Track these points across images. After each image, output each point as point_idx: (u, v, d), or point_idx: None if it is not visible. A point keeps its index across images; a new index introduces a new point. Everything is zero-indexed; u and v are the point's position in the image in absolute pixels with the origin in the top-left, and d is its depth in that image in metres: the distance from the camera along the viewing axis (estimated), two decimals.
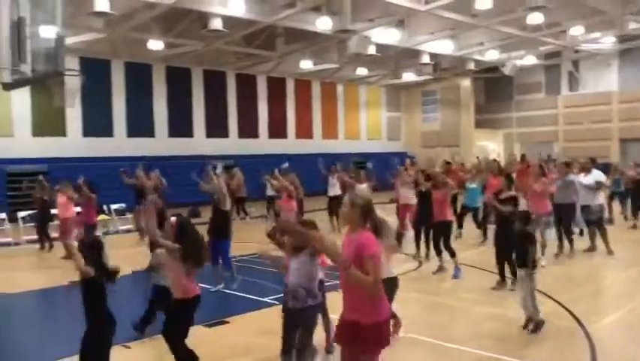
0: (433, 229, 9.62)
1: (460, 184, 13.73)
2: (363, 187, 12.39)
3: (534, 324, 6.21)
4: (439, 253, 9.43)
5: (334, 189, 15.40)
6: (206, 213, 8.95)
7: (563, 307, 7.16)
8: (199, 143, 24.18)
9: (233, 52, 22.65)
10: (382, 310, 3.69)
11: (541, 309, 6.34)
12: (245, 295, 8.12)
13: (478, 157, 22.12)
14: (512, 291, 7.68)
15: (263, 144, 26.34)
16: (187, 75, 24.23)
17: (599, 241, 10.69)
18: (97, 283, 4.46)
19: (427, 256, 10.17)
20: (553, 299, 7.46)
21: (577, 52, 27.27)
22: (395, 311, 5.55)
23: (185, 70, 24.00)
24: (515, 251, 6.58)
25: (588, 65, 28.64)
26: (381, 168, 18.00)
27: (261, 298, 7.90)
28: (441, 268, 9.40)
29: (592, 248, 10.70)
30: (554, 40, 23.84)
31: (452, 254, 9.19)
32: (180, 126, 23.86)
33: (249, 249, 11.33)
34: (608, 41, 25.51)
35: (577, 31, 22.45)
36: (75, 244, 4.78)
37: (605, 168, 23.39)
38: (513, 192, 8.46)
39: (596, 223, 10.72)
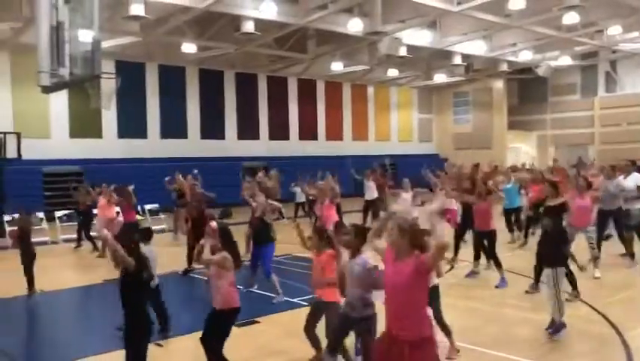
0: (475, 237, 9.48)
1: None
2: (407, 197, 12.15)
3: (555, 326, 6.07)
4: (476, 257, 9.33)
5: (370, 193, 15.34)
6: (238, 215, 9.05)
7: (598, 312, 7.01)
8: (231, 145, 24.47)
9: (265, 54, 22.83)
10: (428, 328, 3.72)
11: (570, 313, 6.22)
12: (272, 295, 8.15)
13: (524, 163, 21.78)
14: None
15: (293, 146, 26.48)
16: (219, 78, 24.54)
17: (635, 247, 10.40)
18: (137, 277, 4.51)
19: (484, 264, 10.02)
20: (588, 305, 7.32)
21: (614, 52, 26.62)
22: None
23: (217, 72, 24.30)
24: (547, 250, 6.38)
25: (626, 66, 27.93)
26: (414, 170, 17.90)
27: (290, 299, 7.94)
28: (473, 273, 9.31)
29: (631, 254, 10.31)
30: (590, 41, 23.32)
31: (498, 265, 8.93)
32: (212, 128, 24.19)
33: (282, 250, 11.44)
34: None
35: (614, 30, 21.92)
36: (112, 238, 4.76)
37: None
38: (562, 199, 8.21)
39: (636, 228, 10.39)
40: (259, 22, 17.38)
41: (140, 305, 4.58)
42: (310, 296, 6.30)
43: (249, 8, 16.77)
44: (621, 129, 27.55)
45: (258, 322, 7.05)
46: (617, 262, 10.11)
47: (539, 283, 8.10)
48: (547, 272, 6.33)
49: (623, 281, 9.03)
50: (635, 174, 10.70)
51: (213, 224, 5.42)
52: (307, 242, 5.68)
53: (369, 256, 4.65)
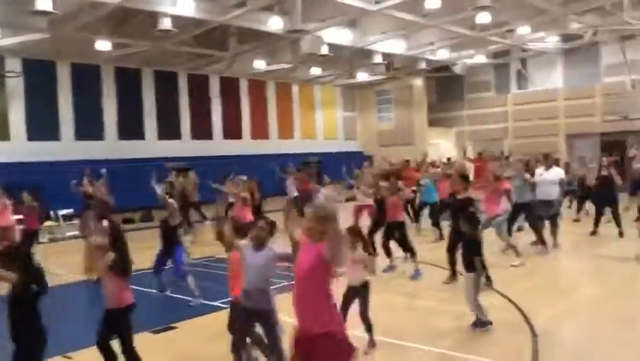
0: (386, 230, 9.65)
1: (415, 182, 14.05)
2: (328, 192, 12.32)
3: (481, 323, 6.24)
4: (388, 253, 9.50)
5: (291, 190, 15.35)
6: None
7: (509, 300, 7.31)
8: (150, 145, 23.71)
9: (185, 52, 22.29)
10: (340, 322, 3.71)
11: (488, 304, 6.43)
12: (189, 298, 7.94)
13: (449, 158, 22.46)
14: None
15: (217, 146, 26.04)
16: (137, 76, 23.73)
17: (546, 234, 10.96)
18: (24, 294, 4.18)
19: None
20: (501, 294, 7.61)
21: (524, 51, 28.02)
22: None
23: (134, 71, 23.50)
24: (463, 255, 6.56)
25: (535, 64, 29.45)
26: (338, 168, 18.09)
27: (209, 302, 7.76)
28: (391, 267, 9.47)
29: (543, 242, 10.74)
30: (502, 40, 24.44)
31: (412, 253, 9.19)
32: (131, 129, 23.34)
33: (204, 252, 11.22)
34: (552, 40, 26.35)
35: (524, 30, 23.10)
36: None
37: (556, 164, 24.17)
38: (469, 194, 8.60)
39: (553, 218, 10.93)
40: (177, 19, 16.94)
41: (30, 322, 4.25)
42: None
43: (166, 4, 16.31)
44: (532, 124, 29.02)
45: (175, 327, 6.84)
46: (527, 251, 10.57)
47: (456, 273, 8.39)
48: (466, 275, 6.47)
49: (533, 269, 9.48)
50: (555, 168, 11.22)
51: (105, 224, 5.23)
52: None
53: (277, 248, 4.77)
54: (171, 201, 8.70)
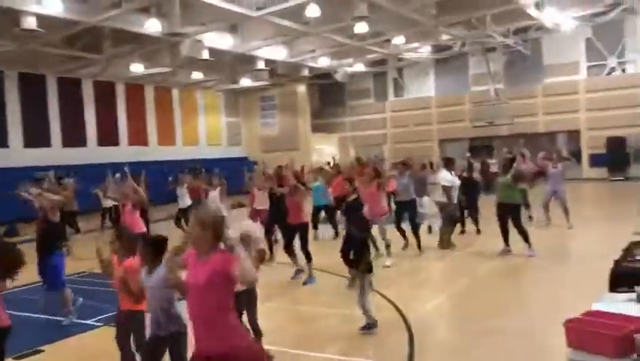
0: (288, 231, 9.55)
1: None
2: (215, 194, 12.04)
3: (366, 325, 6.37)
4: (292, 255, 9.41)
5: (184, 200, 14.80)
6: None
7: (387, 299, 7.60)
8: (15, 154, 21.90)
9: (53, 54, 20.85)
10: (243, 336, 3.51)
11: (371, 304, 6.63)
12: (64, 317, 7.42)
13: (333, 158, 22.81)
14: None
15: (92, 153, 24.64)
16: None
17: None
18: None
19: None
20: (379, 293, 7.89)
21: (400, 60, 29.48)
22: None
23: None
24: (353, 256, 6.69)
25: (410, 73, 31.12)
26: (225, 174, 17.82)
27: (84, 321, 7.29)
28: (299, 271, 9.34)
29: (419, 245, 11.27)
30: (379, 49, 25.52)
31: (309, 259, 9.04)
32: None
33: (78, 267, 10.57)
34: (425, 51, 27.98)
35: (399, 40, 24.30)
36: None
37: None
38: (356, 195, 8.87)
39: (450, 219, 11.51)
40: (43, 19, 15.80)
41: None
42: (107, 315, 5.83)
43: (30, 3, 15.15)
44: (409, 130, 30.59)
45: (42, 350, 6.33)
46: (406, 251, 11.08)
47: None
48: (356, 277, 6.57)
49: (410, 268, 9.94)
50: (444, 171, 11.67)
51: None
52: (106, 266, 5.14)
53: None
54: (50, 194, 7.91)
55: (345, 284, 8.24)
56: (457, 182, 11.61)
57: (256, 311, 5.45)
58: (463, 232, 12.80)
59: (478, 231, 12.70)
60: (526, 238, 10.15)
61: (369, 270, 6.48)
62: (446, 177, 11.44)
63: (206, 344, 3.35)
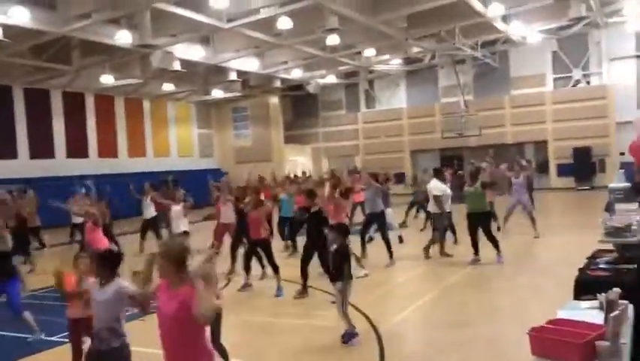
0: (250, 246, 9.62)
1: (274, 197, 14.20)
2: (178, 209, 11.88)
3: (346, 335, 6.35)
4: (247, 270, 9.47)
5: (149, 211, 14.62)
6: None
7: (358, 310, 7.61)
8: None
9: (20, 64, 20.47)
10: (207, 358, 3.48)
11: (333, 314, 6.61)
12: (27, 335, 7.24)
13: (304, 173, 22.83)
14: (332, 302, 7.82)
15: (60, 165, 24.19)
16: None
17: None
18: None
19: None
20: (350, 304, 7.89)
21: (371, 72, 29.78)
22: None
23: None
24: (332, 266, 6.67)
25: (381, 84, 31.45)
26: (196, 185, 17.64)
27: (49, 338, 7.13)
28: (247, 285, 9.43)
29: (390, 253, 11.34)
30: (351, 61, 25.74)
31: (276, 270, 9.11)
32: None
33: (43, 283, 10.35)
34: (396, 63, 28.33)
35: (369, 53, 24.57)
36: None
37: (401, 178, 25.81)
38: (318, 206, 8.91)
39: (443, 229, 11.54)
40: (9, 29, 15.49)
41: None
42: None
43: None
44: (380, 141, 30.84)
45: None
46: (379, 261, 11.12)
47: (307, 287, 8.62)
48: (335, 287, 6.54)
49: (381, 278, 9.99)
50: (434, 180, 11.58)
51: None
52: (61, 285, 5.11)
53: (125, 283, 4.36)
54: None
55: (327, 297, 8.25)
56: (449, 191, 11.55)
57: (220, 331, 5.35)
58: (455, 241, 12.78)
59: (455, 241, 12.81)
60: (496, 245, 10.33)
61: (349, 278, 6.50)
62: (438, 187, 11.40)
63: None
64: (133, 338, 5.75)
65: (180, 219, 11.65)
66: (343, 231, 6.83)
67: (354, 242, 10.61)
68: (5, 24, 15.12)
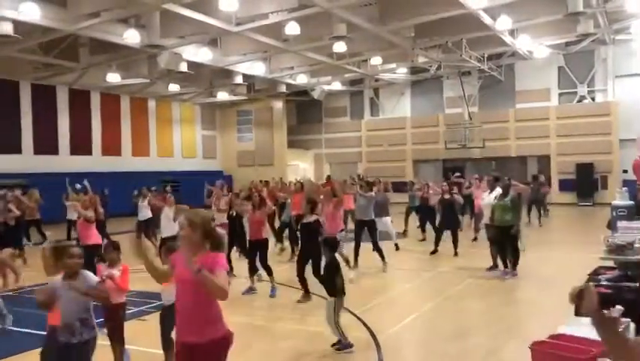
0: (249, 248, 9.66)
1: (275, 202, 14.27)
2: (169, 211, 11.81)
3: (342, 345, 6.31)
4: (252, 272, 9.46)
5: (144, 212, 14.64)
6: None
7: (357, 317, 7.62)
8: None
9: (28, 60, 20.57)
10: (220, 328, 3.60)
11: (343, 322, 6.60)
12: (30, 330, 7.25)
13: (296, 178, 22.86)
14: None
15: (63, 161, 24.25)
16: None
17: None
18: None
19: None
20: (350, 311, 7.90)
21: (377, 80, 29.85)
22: None
23: None
24: (325, 279, 6.65)
25: (386, 93, 31.52)
26: (198, 187, 17.64)
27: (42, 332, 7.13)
28: (251, 289, 9.42)
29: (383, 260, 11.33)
30: (357, 69, 25.81)
31: (269, 272, 9.25)
32: None
33: (41, 278, 10.31)
34: (402, 72, 28.40)
35: (376, 61, 24.65)
36: None
37: (402, 187, 25.82)
38: (316, 216, 8.86)
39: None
40: (19, 25, 15.60)
41: None
42: None
43: (6, 8, 14.95)
44: (383, 149, 30.87)
45: None
46: (369, 271, 11.09)
47: (309, 292, 8.63)
48: (328, 300, 6.47)
49: (381, 286, 9.99)
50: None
51: None
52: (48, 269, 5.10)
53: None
54: None
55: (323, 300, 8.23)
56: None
57: (171, 326, 5.23)
58: (435, 251, 12.86)
59: (434, 251, 12.79)
60: (517, 259, 10.27)
61: (342, 292, 6.48)
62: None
63: (186, 334, 3.51)
64: (133, 338, 5.79)
65: (170, 222, 11.42)
66: (332, 245, 6.84)
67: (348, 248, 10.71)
68: (16, 20, 15.22)
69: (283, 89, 27.72)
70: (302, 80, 27.03)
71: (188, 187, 18.09)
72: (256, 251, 9.47)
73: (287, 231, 13.46)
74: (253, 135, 33.24)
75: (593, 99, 26.85)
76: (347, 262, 10.37)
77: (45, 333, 4.51)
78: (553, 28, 21.73)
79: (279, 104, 32.06)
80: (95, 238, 9.35)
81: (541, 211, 18.92)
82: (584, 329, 3.82)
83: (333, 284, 6.41)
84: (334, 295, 6.38)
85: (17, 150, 22.93)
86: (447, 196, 13.11)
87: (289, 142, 32.83)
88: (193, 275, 3.32)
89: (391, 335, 7.00)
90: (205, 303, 3.49)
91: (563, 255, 12.72)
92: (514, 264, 10.26)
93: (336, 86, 29.72)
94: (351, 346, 6.33)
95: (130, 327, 5.53)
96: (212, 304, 3.54)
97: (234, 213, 10.86)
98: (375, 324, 7.31)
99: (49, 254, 4.88)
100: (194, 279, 3.34)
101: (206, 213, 3.70)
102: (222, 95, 29.78)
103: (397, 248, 13.27)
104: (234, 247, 11.09)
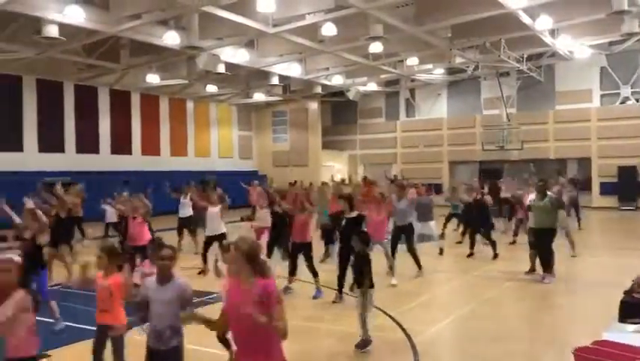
0: (292, 249, 9.64)
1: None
2: (216, 210, 11.87)
3: (361, 341, 6.35)
4: (292, 272, 9.46)
5: (185, 210, 14.85)
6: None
7: (393, 319, 7.60)
8: (29, 158, 22.15)
9: (72, 61, 21.18)
10: (277, 353, 3.61)
11: (372, 325, 6.61)
12: (69, 323, 7.47)
13: (343, 179, 22.93)
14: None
15: (104, 160, 24.88)
16: (17, 84, 22.16)
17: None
18: None
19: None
20: (384, 312, 7.89)
21: (413, 81, 29.63)
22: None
23: (14, 78, 21.93)
24: (353, 272, 6.73)
25: (422, 94, 31.24)
26: (235, 186, 17.87)
27: (85, 327, 7.31)
28: (288, 289, 9.40)
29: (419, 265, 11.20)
30: (393, 70, 25.67)
31: (315, 274, 9.25)
32: (7, 140, 21.68)
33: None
34: (438, 73, 28.12)
35: (412, 61, 24.48)
36: None
37: (439, 189, 25.53)
38: (356, 212, 8.90)
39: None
40: (64, 27, 16.07)
41: None
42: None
43: (52, 11, 15.41)
44: (419, 151, 30.64)
45: (49, 355, 6.35)
46: (407, 273, 11.02)
47: (343, 293, 8.64)
48: (358, 293, 6.53)
49: (417, 290, 9.92)
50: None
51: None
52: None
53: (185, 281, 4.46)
54: (41, 215, 7.97)
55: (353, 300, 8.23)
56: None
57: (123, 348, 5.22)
58: (471, 254, 12.69)
59: (470, 254, 12.59)
60: (552, 261, 10.06)
61: (371, 285, 6.51)
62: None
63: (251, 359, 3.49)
64: (196, 338, 5.84)
65: (216, 221, 11.52)
66: (365, 238, 6.85)
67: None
68: (61, 22, 15.67)
69: (318, 90, 27.79)
70: (337, 80, 27.04)
71: (223, 187, 18.32)
72: (299, 252, 9.43)
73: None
74: (288, 136, 33.42)
75: (637, 100, 26.05)
76: (391, 267, 10.27)
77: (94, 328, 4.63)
78: (595, 27, 21.15)
79: (314, 105, 32.16)
80: (148, 235, 9.66)
81: (579, 215, 18.47)
82: (629, 336, 3.73)
83: (361, 275, 6.44)
84: (361, 287, 6.42)
85: (61, 149, 23.61)
86: (478, 197, 12.97)
87: (324, 143, 32.89)
88: (254, 317, 3.32)
89: (427, 338, 6.96)
90: (263, 332, 3.44)
91: (603, 259, 12.41)
92: (550, 266, 10.05)
93: (372, 86, 29.62)
94: (370, 342, 6.32)
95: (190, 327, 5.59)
96: (270, 332, 3.47)
97: (281, 211, 10.79)
98: (412, 326, 7.28)
99: (104, 254, 5.03)
100: (253, 316, 3.34)
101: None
102: (258, 96, 30.04)
103: (441, 252, 13.06)
104: (275, 247, 11.16)
